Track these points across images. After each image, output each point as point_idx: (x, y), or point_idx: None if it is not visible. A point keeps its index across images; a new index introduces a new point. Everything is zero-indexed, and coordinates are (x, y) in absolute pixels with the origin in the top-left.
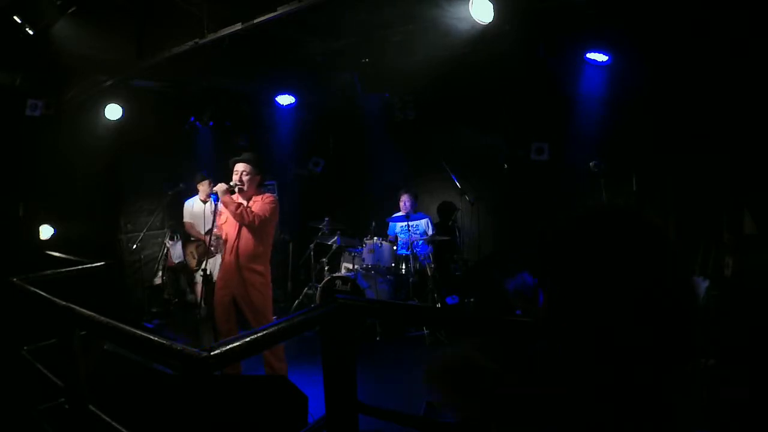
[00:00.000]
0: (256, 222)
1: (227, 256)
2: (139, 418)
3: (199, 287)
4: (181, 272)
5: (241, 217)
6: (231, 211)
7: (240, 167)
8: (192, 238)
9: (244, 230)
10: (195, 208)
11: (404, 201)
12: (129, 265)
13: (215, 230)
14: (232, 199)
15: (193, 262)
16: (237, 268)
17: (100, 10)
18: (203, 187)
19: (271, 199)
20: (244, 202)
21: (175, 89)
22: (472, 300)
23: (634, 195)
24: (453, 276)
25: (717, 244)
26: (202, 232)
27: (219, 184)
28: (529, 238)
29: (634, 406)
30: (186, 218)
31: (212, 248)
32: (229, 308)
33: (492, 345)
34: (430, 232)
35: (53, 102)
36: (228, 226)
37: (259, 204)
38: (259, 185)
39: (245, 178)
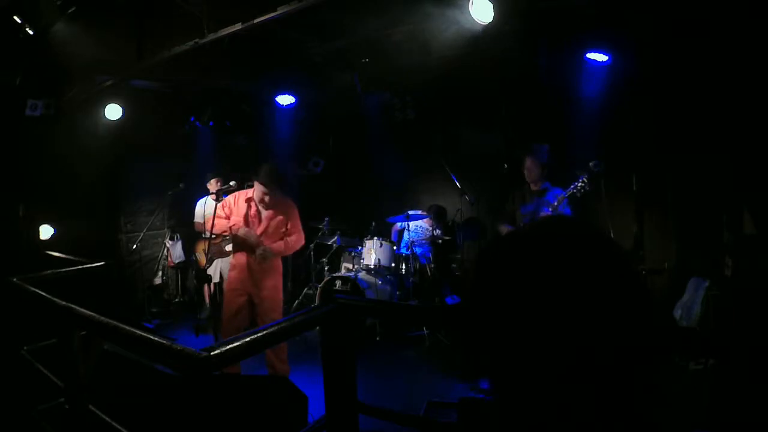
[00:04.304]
0: (303, 241)
1: (240, 257)
2: (139, 418)
3: (206, 286)
4: (189, 271)
5: (293, 249)
6: (282, 254)
7: (260, 188)
8: (204, 235)
9: (265, 235)
10: (207, 207)
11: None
12: (129, 265)
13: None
14: (273, 249)
15: (203, 260)
16: (250, 268)
17: (100, 11)
18: (212, 186)
19: (295, 211)
20: (262, 206)
21: (175, 89)
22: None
23: (634, 195)
24: (453, 276)
25: (717, 244)
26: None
27: (241, 229)
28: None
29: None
30: (197, 218)
31: (227, 248)
32: (240, 309)
33: None
34: (437, 233)
35: (53, 102)
36: (251, 226)
37: (297, 224)
38: (280, 190)
39: (266, 198)
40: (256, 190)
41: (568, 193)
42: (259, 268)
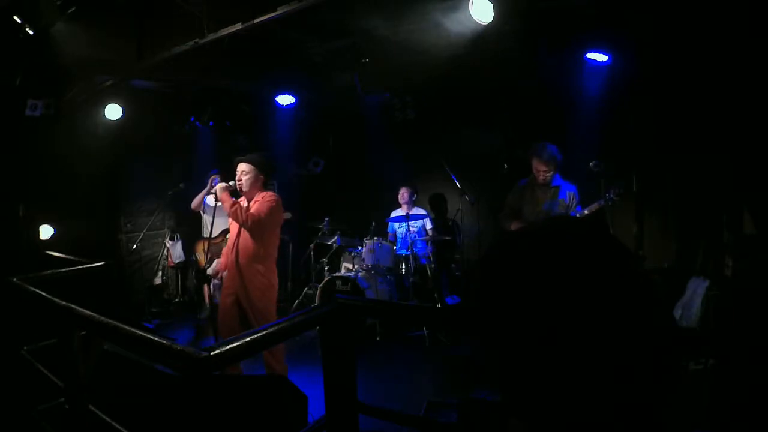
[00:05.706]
0: (249, 223)
1: (229, 255)
2: (139, 418)
3: (206, 287)
4: (189, 270)
5: (235, 215)
6: (226, 209)
7: (242, 167)
8: (203, 236)
9: (244, 229)
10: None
11: (402, 194)
12: (129, 265)
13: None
14: (229, 196)
15: (203, 260)
16: (237, 267)
17: (100, 11)
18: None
19: (272, 198)
20: (244, 203)
21: (175, 89)
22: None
23: (634, 195)
24: (453, 276)
25: (717, 244)
26: (208, 227)
27: (219, 184)
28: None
29: None
30: (195, 200)
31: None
32: (231, 309)
33: None
34: (429, 227)
35: (53, 102)
36: (231, 224)
37: (258, 204)
38: (263, 185)
39: (244, 178)
40: (238, 168)
41: (599, 206)
42: (247, 269)
